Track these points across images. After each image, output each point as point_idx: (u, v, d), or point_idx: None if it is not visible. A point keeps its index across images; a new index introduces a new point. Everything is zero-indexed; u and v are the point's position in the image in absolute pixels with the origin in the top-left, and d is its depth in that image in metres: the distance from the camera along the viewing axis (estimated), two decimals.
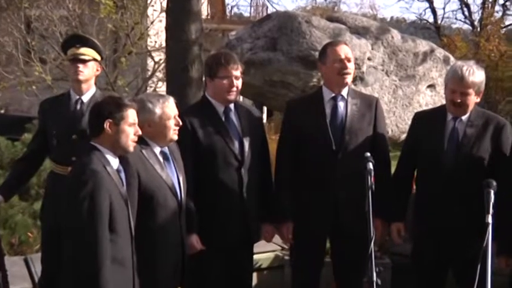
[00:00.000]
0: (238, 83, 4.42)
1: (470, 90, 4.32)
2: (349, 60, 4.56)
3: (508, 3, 25.54)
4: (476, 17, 25.39)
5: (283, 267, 6.21)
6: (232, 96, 4.42)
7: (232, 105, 4.49)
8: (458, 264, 4.43)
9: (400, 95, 6.84)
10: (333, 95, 4.58)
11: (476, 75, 4.33)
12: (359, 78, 6.50)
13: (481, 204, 3.58)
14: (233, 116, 4.47)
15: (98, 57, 4.83)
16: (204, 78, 5.01)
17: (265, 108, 15.49)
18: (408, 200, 4.68)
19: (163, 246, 3.94)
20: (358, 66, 6.27)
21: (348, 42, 5.45)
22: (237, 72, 4.41)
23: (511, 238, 4.14)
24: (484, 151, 4.36)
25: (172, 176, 4.02)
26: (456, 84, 4.33)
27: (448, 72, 4.55)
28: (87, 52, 4.74)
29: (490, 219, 3.42)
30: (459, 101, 4.33)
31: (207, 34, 12.45)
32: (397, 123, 6.78)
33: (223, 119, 4.44)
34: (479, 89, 4.38)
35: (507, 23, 26.24)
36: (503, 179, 4.05)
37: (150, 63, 14.30)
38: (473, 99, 4.38)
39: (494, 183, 3.61)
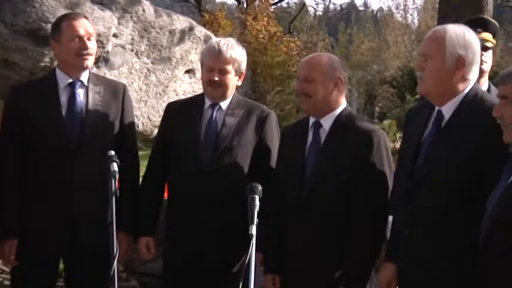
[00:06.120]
0: None
1: (230, 67, 4.42)
2: (89, 38, 4.45)
3: None
4: None
5: None
6: None
7: None
8: (217, 277, 4.42)
9: (153, 81, 6.94)
10: (70, 80, 4.47)
11: (235, 50, 4.46)
12: (103, 59, 6.52)
13: (243, 207, 3.60)
14: None
15: None
16: None
17: None
18: (160, 207, 4.65)
19: None
20: (101, 45, 6.25)
21: (89, 15, 5.47)
22: None
23: (279, 254, 4.21)
24: (247, 143, 4.46)
25: None
26: (213, 60, 4.42)
27: (203, 50, 4.69)
28: None
29: (254, 231, 3.41)
30: (217, 78, 4.40)
31: None
32: (149, 115, 6.91)
33: None
34: (240, 68, 4.48)
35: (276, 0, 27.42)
36: (267, 179, 4.09)
37: None
38: (233, 80, 4.48)
39: (260, 188, 3.61)
